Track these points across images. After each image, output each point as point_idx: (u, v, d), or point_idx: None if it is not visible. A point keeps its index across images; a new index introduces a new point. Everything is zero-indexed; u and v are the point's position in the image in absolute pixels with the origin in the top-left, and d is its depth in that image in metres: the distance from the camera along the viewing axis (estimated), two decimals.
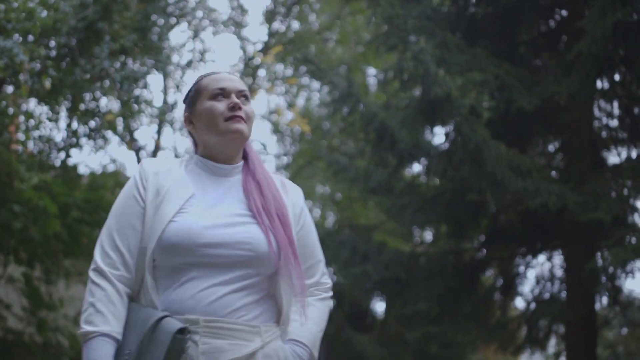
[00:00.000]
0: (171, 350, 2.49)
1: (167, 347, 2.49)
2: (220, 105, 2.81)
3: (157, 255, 2.65)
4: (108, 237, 2.68)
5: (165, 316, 2.56)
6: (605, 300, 11.28)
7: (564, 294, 11.35)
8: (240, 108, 2.81)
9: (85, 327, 2.55)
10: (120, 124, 10.88)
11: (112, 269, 2.63)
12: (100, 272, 2.63)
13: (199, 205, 2.73)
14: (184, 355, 2.54)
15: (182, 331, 2.52)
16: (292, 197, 2.94)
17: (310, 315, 2.88)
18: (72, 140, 9.55)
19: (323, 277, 3.02)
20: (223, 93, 2.83)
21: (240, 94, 2.85)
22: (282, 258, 2.72)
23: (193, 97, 2.90)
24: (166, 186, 2.73)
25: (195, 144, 2.94)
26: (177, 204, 2.69)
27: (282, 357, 2.73)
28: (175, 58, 15.18)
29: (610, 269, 10.02)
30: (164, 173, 2.77)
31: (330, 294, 3.04)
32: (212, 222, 2.69)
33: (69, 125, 9.54)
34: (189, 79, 15.98)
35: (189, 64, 16.01)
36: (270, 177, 2.90)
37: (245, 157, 2.93)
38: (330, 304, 3.03)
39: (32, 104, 9.35)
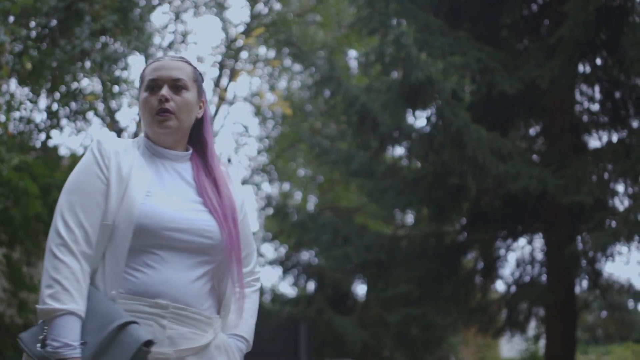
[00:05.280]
0: (134, 359, 2.52)
1: (131, 355, 2.50)
2: (152, 99, 2.81)
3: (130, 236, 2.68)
4: (71, 213, 2.66)
5: (133, 322, 2.56)
6: (585, 283, 11.37)
7: (544, 277, 11.42)
8: (168, 100, 2.79)
9: (53, 304, 2.53)
10: (101, 105, 10.82)
11: (77, 245, 2.62)
12: (65, 247, 2.61)
13: (159, 189, 2.76)
14: None
15: (147, 343, 2.54)
16: (235, 187, 2.98)
17: (247, 307, 2.97)
18: (53, 122, 9.49)
19: (256, 266, 3.10)
20: (156, 84, 2.82)
21: (175, 83, 2.82)
22: (228, 256, 2.79)
23: (139, 85, 2.91)
24: (127, 167, 2.74)
25: None
26: (143, 186, 2.71)
27: (229, 349, 2.82)
28: (156, 39, 15.10)
29: (591, 253, 10.09)
30: (122, 153, 2.77)
31: (260, 283, 3.12)
32: (176, 207, 2.73)
33: (49, 107, 9.48)
34: None
35: (171, 45, 15.93)
36: (223, 173, 2.94)
37: (202, 145, 2.95)
38: (259, 292, 3.12)
39: (12, 85, 9.29)
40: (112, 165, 2.72)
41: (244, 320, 2.92)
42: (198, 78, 2.90)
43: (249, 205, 3.09)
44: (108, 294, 2.63)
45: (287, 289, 25.98)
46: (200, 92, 2.90)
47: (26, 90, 9.34)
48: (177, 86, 2.81)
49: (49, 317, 2.54)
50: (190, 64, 2.90)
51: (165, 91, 2.79)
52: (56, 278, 2.56)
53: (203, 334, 2.70)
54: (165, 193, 2.75)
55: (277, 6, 18.82)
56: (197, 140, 2.94)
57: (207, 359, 2.72)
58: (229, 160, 19.51)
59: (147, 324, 2.61)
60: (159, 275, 2.65)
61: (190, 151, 2.91)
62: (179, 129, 2.82)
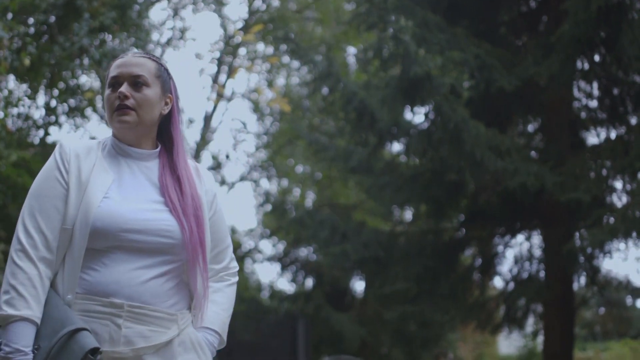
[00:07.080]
0: None
1: None
2: (113, 96, 2.80)
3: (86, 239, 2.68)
4: (31, 218, 2.68)
5: (83, 329, 2.56)
6: (583, 280, 11.37)
7: (542, 274, 11.42)
8: (127, 97, 2.78)
9: (7, 310, 2.55)
10: (99, 101, 10.82)
11: (35, 250, 2.63)
12: (24, 252, 2.62)
13: (119, 190, 2.75)
14: None
15: (94, 351, 2.53)
16: (206, 184, 2.98)
17: (220, 301, 2.97)
18: (51, 118, 9.49)
19: (232, 261, 3.09)
20: (117, 81, 2.82)
21: (135, 79, 2.81)
22: (191, 255, 2.76)
23: (105, 82, 2.90)
24: (87, 170, 2.74)
25: None
26: (102, 189, 2.71)
27: (196, 343, 2.79)
28: (155, 36, 15.10)
29: (589, 250, 10.08)
30: (84, 155, 2.77)
31: (237, 277, 3.11)
32: (134, 208, 2.71)
33: (47, 104, 9.49)
34: (169, 57, 15.88)
35: (169, 42, 15.93)
36: (190, 171, 2.92)
37: (169, 142, 2.93)
38: (235, 287, 3.10)
39: (11, 81, 9.29)
40: (72, 169, 2.73)
41: (213, 314, 2.91)
42: (162, 74, 2.88)
43: (221, 202, 3.06)
44: (65, 297, 2.64)
45: (285, 285, 26.06)
46: (165, 88, 2.89)
47: (24, 86, 9.34)
48: (137, 82, 2.80)
49: (5, 322, 2.56)
50: (154, 60, 2.89)
51: (124, 88, 2.79)
52: (12, 284, 2.59)
53: (164, 330, 2.69)
54: (124, 194, 2.74)
55: (276, 2, 18.82)
56: (164, 137, 2.94)
57: (169, 356, 2.70)
58: (227, 157, 19.51)
59: (103, 323, 2.62)
60: (112, 275, 2.65)
61: (158, 149, 2.90)
62: (138, 124, 2.80)
